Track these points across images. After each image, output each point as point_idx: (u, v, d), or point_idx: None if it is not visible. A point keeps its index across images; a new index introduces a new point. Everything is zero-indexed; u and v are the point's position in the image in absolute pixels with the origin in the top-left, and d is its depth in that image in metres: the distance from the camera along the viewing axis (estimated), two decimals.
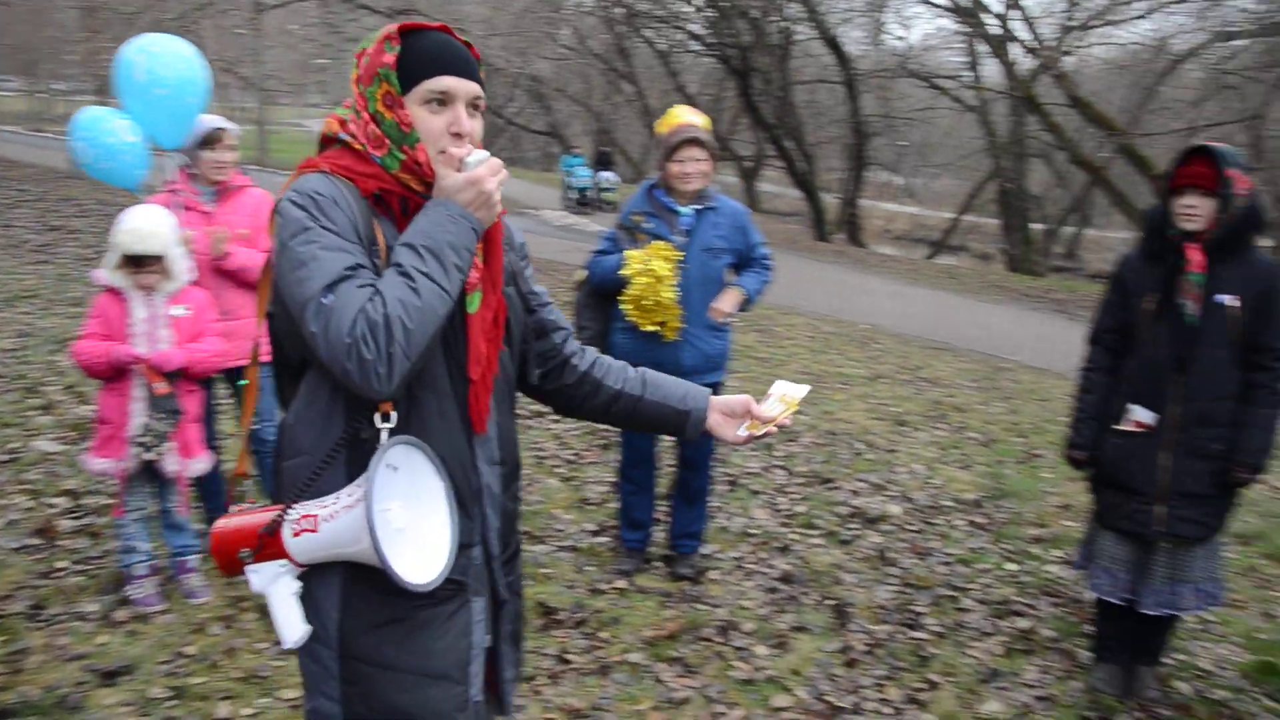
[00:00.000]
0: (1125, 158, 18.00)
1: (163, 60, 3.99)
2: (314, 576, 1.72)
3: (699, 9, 23.12)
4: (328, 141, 1.80)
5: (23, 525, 4.31)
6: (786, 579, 4.37)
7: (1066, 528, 5.14)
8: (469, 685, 1.83)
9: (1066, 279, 22.31)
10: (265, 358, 1.89)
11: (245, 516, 1.72)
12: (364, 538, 1.53)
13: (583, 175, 21.87)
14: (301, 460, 1.73)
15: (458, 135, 1.71)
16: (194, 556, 3.90)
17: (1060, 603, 4.30)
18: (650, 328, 3.97)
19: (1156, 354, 3.30)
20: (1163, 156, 15.90)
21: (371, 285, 1.58)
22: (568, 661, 3.59)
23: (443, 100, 1.70)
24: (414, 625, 1.75)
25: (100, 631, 3.56)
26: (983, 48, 22.22)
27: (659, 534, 4.55)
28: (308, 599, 1.71)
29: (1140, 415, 3.34)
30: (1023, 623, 4.09)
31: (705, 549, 4.50)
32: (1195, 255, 3.21)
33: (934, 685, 3.60)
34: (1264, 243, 3.42)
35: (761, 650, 3.76)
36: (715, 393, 2.11)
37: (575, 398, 2.05)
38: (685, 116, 4.13)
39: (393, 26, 1.71)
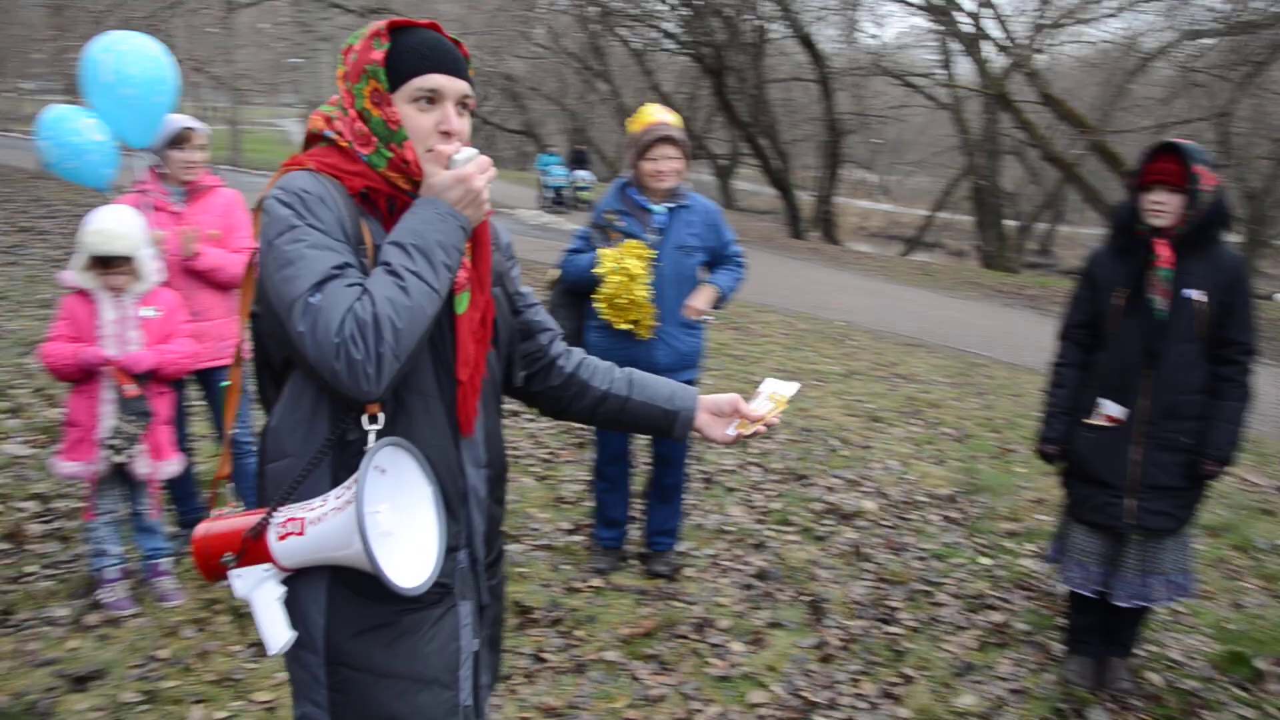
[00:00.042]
0: (1097, 154, 18.20)
1: (130, 59, 3.95)
2: (299, 581, 1.69)
3: (673, 7, 23.16)
4: (313, 139, 1.77)
5: None
6: (762, 575, 4.38)
7: (1040, 522, 5.18)
8: (459, 690, 1.81)
9: (1040, 275, 22.52)
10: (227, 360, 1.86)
11: (227, 520, 1.70)
12: (355, 541, 1.50)
13: (558, 174, 21.86)
14: (286, 463, 1.70)
15: (446, 134, 1.68)
16: (166, 559, 3.86)
17: (1033, 596, 4.34)
18: (624, 326, 3.97)
19: (1126, 348, 3.33)
20: (1133, 153, 16.03)
21: (360, 284, 1.56)
22: (544, 660, 3.58)
23: (432, 98, 1.68)
24: (401, 630, 1.73)
25: (71, 636, 3.52)
26: (956, 46, 22.39)
27: (634, 532, 4.55)
28: (292, 605, 1.68)
29: (1110, 409, 3.37)
30: (996, 616, 4.12)
31: (681, 546, 4.50)
32: (1164, 250, 3.24)
33: (909, 679, 3.62)
34: (1230, 238, 3.46)
35: (737, 647, 3.77)
36: None
37: (561, 400, 2.03)
38: (657, 115, 4.13)
39: (381, 23, 1.69)
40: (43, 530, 4.30)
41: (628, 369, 2.05)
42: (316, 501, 1.63)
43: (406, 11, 16.73)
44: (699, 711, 3.34)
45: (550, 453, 5.81)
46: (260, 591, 1.65)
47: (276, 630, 1.64)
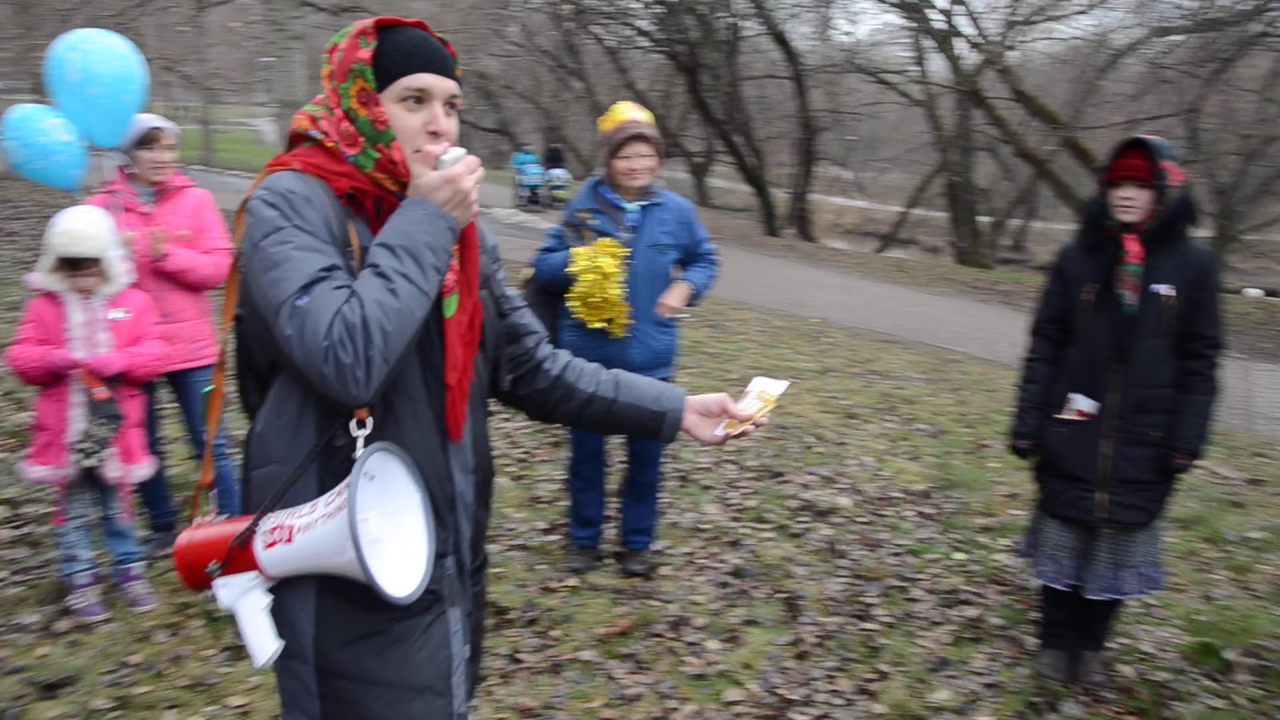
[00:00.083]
0: (1069, 150, 18.35)
1: (97, 57, 3.91)
2: (286, 590, 1.66)
3: (647, 5, 23.15)
4: (297, 139, 1.73)
5: None
6: (737, 573, 4.39)
7: (1014, 516, 5.21)
8: (453, 698, 1.78)
9: (1013, 271, 22.67)
10: (209, 360, 1.84)
11: (212, 528, 1.66)
12: (346, 549, 1.47)
13: (534, 173, 21.82)
14: (271, 469, 1.67)
15: (434, 134, 1.66)
16: (138, 564, 3.83)
17: (1007, 590, 4.37)
18: (598, 325, 3.97)
19: (1096, 343, 3.36)
20: (1104, 149, 16.19)
21: (347, 287, 1.54)
22: (519, 661, 3.57)
23: (420, 98, 1.65)
24: (392, 638, 1.70)
25: (41, 643, 3.49)
26: (929, 43, 22.50)
27: (610, 531, 4.55)
28: (280, 614, 1.64)
29: (1081, 404, 3.39)
30: (971, 611, 4.14)
31: (656, 545, 4.51)
32: (1133, 246, 3.26)
33: (884, 675, 3.63)
34: (1199, 233, 3.49)
35: (713, 645, 3.78)
36: None
37: (548, 403, 2.01)
38: (629, 113, 4.12)
39: (368, 21, 1.66)
40: (12, 535, 4.25)
41: (614, 370, 2.04)
42: (305, 508, 1.59)
43: (378, 10, 16.64)
44: (675, 710, 3.34)
45: (526, 452, 5.79)
46: (246, 601, 1.61)
47: (263, 640, 1.60)
